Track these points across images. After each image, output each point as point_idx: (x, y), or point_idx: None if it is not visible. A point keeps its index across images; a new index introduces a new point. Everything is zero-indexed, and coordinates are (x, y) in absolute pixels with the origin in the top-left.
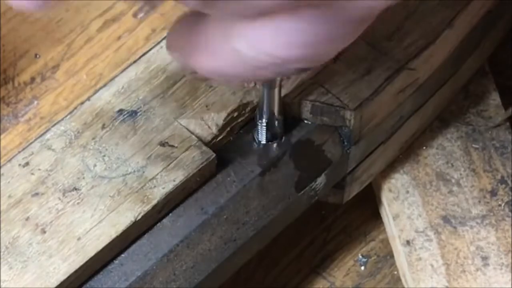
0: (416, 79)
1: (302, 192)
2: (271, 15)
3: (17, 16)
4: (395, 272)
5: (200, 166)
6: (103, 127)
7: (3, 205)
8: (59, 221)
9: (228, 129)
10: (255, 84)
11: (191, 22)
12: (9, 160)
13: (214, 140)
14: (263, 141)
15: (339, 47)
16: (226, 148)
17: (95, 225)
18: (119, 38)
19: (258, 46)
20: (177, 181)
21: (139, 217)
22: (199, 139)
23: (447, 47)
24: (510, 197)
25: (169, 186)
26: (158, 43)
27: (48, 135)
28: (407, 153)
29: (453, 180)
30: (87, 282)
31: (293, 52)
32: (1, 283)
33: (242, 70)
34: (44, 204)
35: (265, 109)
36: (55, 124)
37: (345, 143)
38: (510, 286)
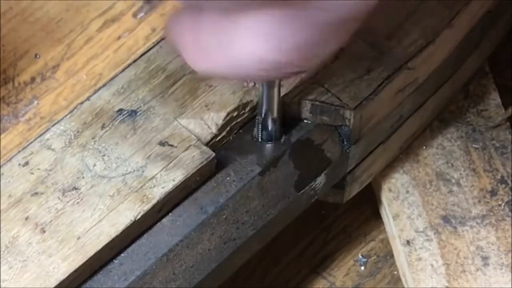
0: (416, 79)
1: (302, 191)
2: (251, 19)
3: (17, 16)
4: (395, 272)
5: (200, 166)
6: (102, 126)
7: (3, 205)
8: (58, 221)
9: (228, 128)
10: (255, 84)
11: (187, 18)
12: (9, 160)
13: (214, 140)
14: (263, 141)
15: (328, 50)
16: (226, 147)
17: (95, 224)
18: (119, 38)
19: (246, 52)
20: (177, 181)
21: (139, 216)
22: (199, 138)
23: (447, 47)
24: (510, 197)
25: (169, 186)
26: (158, 43)
27: (47, 135)
28: (407, 153)
29: (453, 180)
30: (86, 281)
31: (280, 56)
32: (1, 283)
33: (237, 72)
34: (43, 203)
35: (264, 108)
36: (55, 124)
37: (345, 143)
38: (510, 286)
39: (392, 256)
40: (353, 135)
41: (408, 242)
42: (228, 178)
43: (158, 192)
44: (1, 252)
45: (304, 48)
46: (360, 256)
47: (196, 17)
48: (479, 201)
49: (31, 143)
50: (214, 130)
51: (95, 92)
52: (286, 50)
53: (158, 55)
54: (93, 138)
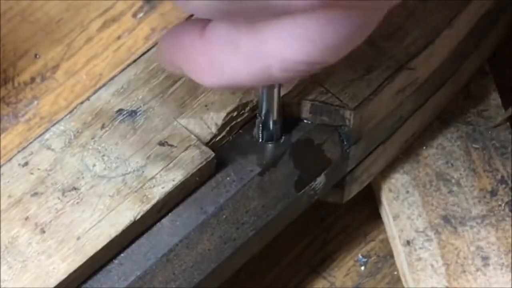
0: (416, 79)
1: (302, 192)
2: (294, 20)
3: (17, 16)
4: (395, 272)
5: (200, 166)
6: (102, 127)
7: (3, 205)
8: (58, 221)
9: (228, 128)
10: None
11: (188, 34)
12: (9, 160)
13: (214, 140)
14: (263, 141)
15: (354, 45)
16: (226, 147)
17: (95, 224)
18: (119, 38)
19: (276, 55)
20: (177, 181)
21: (139, 216)
22: (199, 138)
23: (447, 47)
24: (510, 197)
25: (169, 186)
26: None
27: (47, 135)
28: (407, 153)
29: (453, 180)
30: (86, 281)
31: (310, 57)
32: (1, 283)
33: (260, 78)
34: (43, 203)
35: (264, 108)
36: (54, 124)
37: (345, 143)
38: (510, 287)
39: (392, 256)
40: (353, 135)
41: (408, 242)
42: (228, 178)
43: (158, 192)
44: (1, 252)
45: (335, 47)
46: (360, 256)
47: (208, 28)
48: (479, 201)
49: (31, 143)
50: (214, 130)
51: (95, 92)
52: (318, 50)
53: None
54: (93, 138)
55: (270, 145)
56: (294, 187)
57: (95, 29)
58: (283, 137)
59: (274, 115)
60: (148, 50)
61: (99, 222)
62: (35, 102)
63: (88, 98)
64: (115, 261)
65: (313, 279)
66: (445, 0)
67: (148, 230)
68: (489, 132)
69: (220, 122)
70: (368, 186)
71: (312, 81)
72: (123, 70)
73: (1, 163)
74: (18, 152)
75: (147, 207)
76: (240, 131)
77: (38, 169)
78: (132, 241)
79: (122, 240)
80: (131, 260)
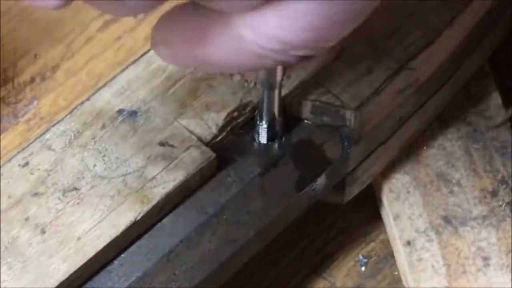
0: (416, 79)
1: (302, 192)
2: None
3: (17, 16)
4: (396, 273)
5: (200, 166)
6: (103, 127)
7: (3, 205)
8: (58, 221)
9: (228, 129)
10: (255, 84)
11: (183, 15)
12: (9, 160)
13: (214, 140)
14: (263, 141)
15: (345, 30)
16: (226, 148)
17: (95, 225)
18: (119, 38)
19: (263, 31)
20: (177, 181)
21: (139, 217)
22: (199, 139)
23: (447, 47)
24: (511, 198)
25: (169, 186)
26: None
27: (47, 135)
28: (408, 153)
29: (453, 180)
30: (86, 282)
31: (299, 36)
32: (1, 283)
33: (245, 59)
34: (43, 204)
35: (265, 109)
36: (54, 124)
37: (345, 143)
38: (510, 287)
39: (392, 256)
40: (353, 136)
41: (408, 242)
42: (228, 179)
43: (158, 192)
44: (1, 253)
45: (325, 28)
46: (361, 257)
47: (195, 11)
48: (480, 202)
49: (31, 143)
50: (214, 130)
51: (95, 92)
52: (305, 30)
53: None
54: (93, 138)
55: (270, 145)
56: (295, 188)
57: (95, 29)
58: (283, 138)
59: (275, 115)
60: (149, 50)
61: (99, 222)
62: (35, 102)
63: (88, 98)
64: (116, 262)
65: (313, 279)
66: (445, 0)
67: (148, 231)
68: (490, 133)
69: (220, 122)
70: (368, 186)
71: (313, 81)
72: (123, 70)
73: (1, 163)
74: (18, 152)
75: (147, 207)
76: (241, 131)
77: (38, 169)
78: (133, 242)
79: (122, 240)
80: (132, 260)
